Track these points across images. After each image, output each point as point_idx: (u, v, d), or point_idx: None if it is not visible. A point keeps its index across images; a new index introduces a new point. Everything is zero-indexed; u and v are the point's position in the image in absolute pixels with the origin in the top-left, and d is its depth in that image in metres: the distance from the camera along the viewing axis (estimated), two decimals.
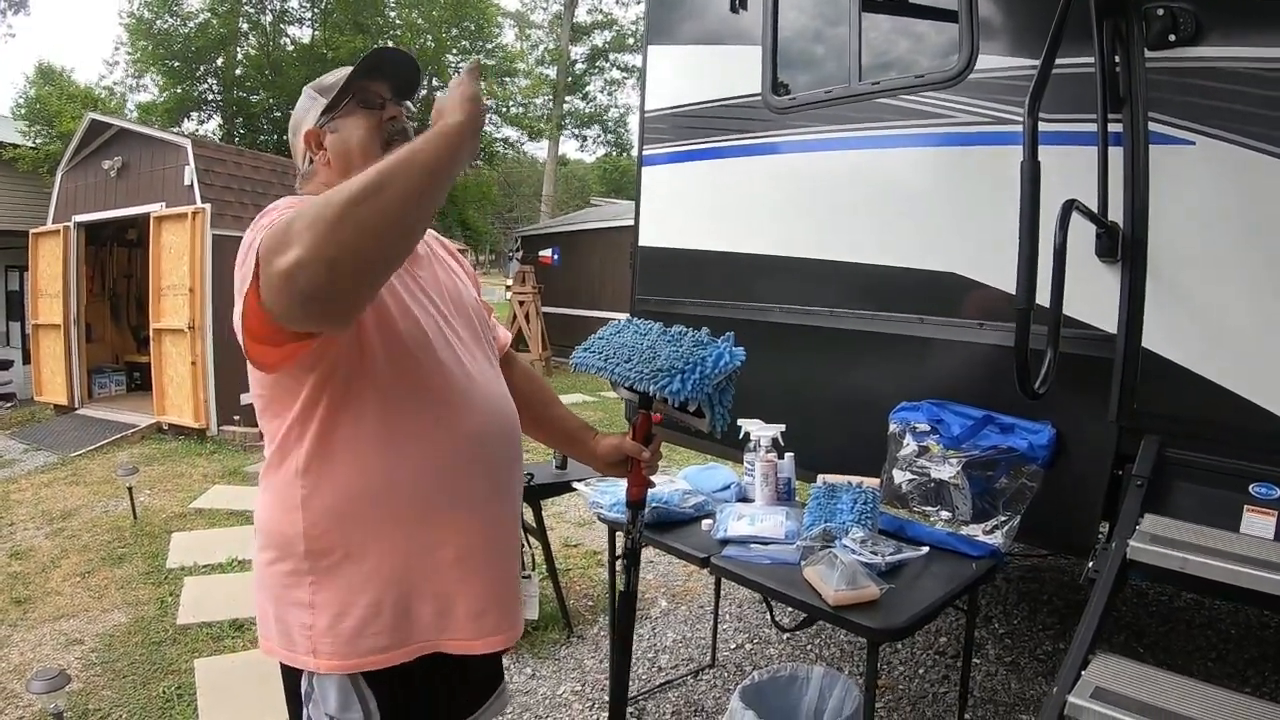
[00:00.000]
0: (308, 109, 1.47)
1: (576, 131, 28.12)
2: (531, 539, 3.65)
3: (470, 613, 1.36)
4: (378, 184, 1.01)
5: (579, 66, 26.81)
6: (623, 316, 1.89)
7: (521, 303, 12.69)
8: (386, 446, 1.30)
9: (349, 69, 1.44)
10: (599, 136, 28.50)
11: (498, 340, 1.68)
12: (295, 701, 1.38)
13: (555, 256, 12.45)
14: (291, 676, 1.37)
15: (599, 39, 26.80)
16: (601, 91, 27.84)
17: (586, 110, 27.70)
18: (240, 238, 1.21)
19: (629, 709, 2.82)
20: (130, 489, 5.45)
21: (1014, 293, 1.95)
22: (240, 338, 1.20)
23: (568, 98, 26.33)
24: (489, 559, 1.41)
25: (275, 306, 1.04)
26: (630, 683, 3.11)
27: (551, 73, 25.87)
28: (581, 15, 26.44)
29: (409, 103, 1.51)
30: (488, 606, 1.38)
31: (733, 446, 2.83)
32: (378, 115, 1.43)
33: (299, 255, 0.98)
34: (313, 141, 1.46)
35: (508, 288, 12.91)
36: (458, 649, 1.37)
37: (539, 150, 28.48)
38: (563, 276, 13.69)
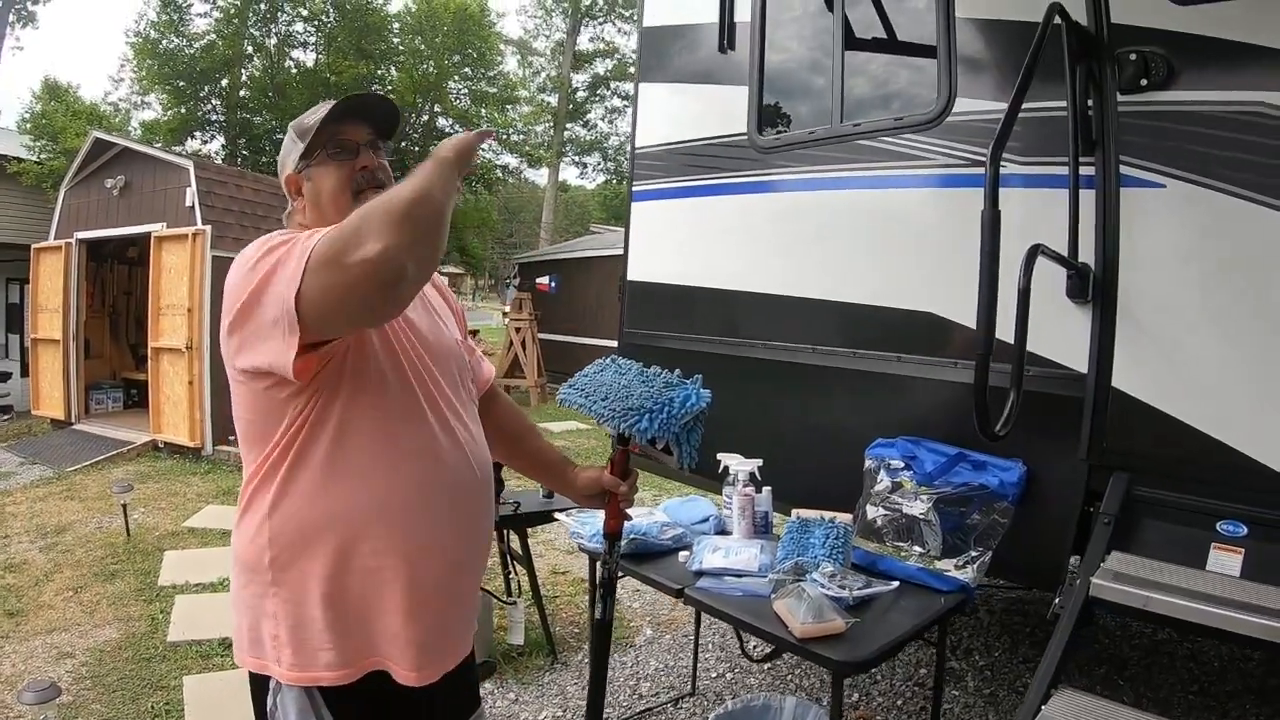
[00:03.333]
0: (289, 152, 1.53)
1: (577, 159, 28.37)
2: (518, 566, 3.68)
3: (412, 642, 1.38)
4: (426, 189, 1.16)
5: (580, 94, 27.07)
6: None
7: (518, 329, 12.71)
8: (344, 481, 1.34)
9: (328, 108, 1.48)
10: (599, 164, 28.74)
11: (480, 376, 1.72)
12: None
13: (552, 284, 12.49)
14: (259, 699, 1.42)
15: (600, 67, 27.10)
16: (602, 119, 28.14)
17: (587, 138, 27.95)
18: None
19: None
20: (124, 506, 5.48)
21: None
22: (234, 360, 1.29)
23: (569, 125, 26.56)
24: (441, 598, 1.43)
25: (333, 304, 1.16)
26: (610, 709, 3.14)
27: (553, 100, 26.11)
28: (584, 43, 26.79)
29: (387, 144, 1.56)
30: (430, 641, 1.41)
31: (713, 479, 2.87)
32: (349, 166, 1.48)
33: (386, 243, 1.10)
34: (292, 188, 1.53)
35: (505, 314, 12.96)
36: (399, 676, 1.39)
37: (540, 177, 28.67)
38: (560, 303, 13.73)
